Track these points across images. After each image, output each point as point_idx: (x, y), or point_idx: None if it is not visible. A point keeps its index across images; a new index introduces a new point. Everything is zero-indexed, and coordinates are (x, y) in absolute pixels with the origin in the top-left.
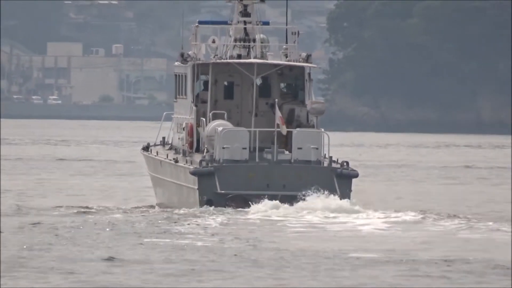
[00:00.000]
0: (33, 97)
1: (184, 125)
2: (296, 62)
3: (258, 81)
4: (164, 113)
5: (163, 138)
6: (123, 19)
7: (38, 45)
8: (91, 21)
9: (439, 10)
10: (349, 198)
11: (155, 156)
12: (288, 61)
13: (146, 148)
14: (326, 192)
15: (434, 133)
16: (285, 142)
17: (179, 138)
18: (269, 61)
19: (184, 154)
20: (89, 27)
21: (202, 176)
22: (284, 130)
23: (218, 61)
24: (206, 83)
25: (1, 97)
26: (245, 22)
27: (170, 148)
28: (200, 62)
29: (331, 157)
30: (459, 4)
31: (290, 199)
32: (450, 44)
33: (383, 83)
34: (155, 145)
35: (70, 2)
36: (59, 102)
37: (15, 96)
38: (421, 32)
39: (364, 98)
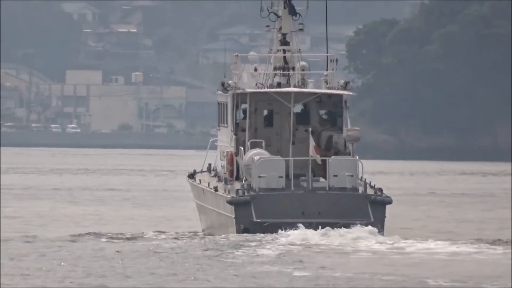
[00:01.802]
0: (52, 125)
1: (225, 153)
2: (335, 89)
3: (299, 108)
4: (210, 140)
5: (209, 164)
6: (142, 47)
7: (57, 73)
8: (110, 49)
9: (457, 36)
10: (383, 224)
11: (198, 184)
12: (328, 88)
13: (192, 175)
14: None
15: (452, 161)
16: (324, 169)
17: (221, 166)
18: (306, 90)
19: (225, 182)
20: (108, 55)
21: (239, 205)
22: (318, 159)
23: (256, 90)
24: (246, 112)
25: (19, 125)
26: (284, 51)
27: (215, 175)
28: (240, 91)
29: (366, 183)
30: (477, 30)
31: (325, 226)
32: (467, 70)
33: (401, 110)
34: (201, 171)
35: (89, 30)
36: (78, 130)
37: (33, 125)
38: (438, 58)
39: (382, 125)
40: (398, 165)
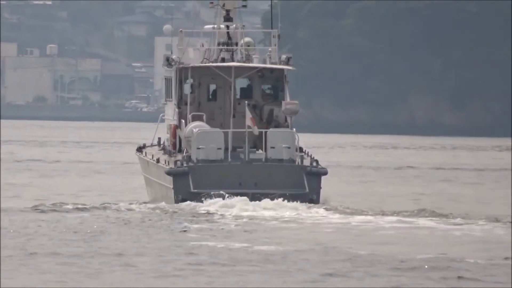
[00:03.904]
0: None
1: (168, 126)
2: (277, 64)
3: (245, 82)
4: (160, 115)
5: (159, 138)
6: (57, 19)
7: None
8: (26, 21)
9: (373, 10)
10: (318, 195)
11: (144, 156)
12: (272, 63)
13: (140, 149)
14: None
15: (366, 134)
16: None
17: (166, 139)
18: (246, 64)
19: (169, 154)
20: (23, 27)
21: (177, 176)
22: (256, 130)
23: (198, 65)
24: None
25: None
26: (227, 27)
27: (162, 149)
28: (182, 66)
29: (303, 155)
30: (392, 4)
31: (261, 197)
32: (383, 44)
33: (316, 84)
34: (151, 145)
35: (4, 2)
36: None
37: None
38: (354, 32)
39: (297, 98)
40: (315, 138)
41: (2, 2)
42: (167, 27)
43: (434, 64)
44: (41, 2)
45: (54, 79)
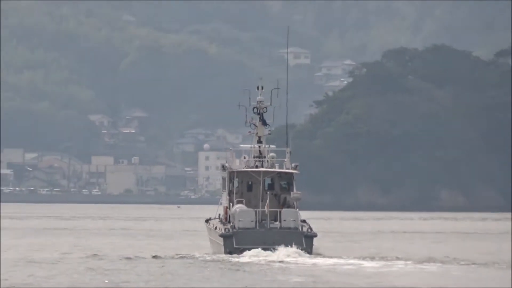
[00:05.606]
0: (83, 190)
1: (223, 208)
2: (289, 169)
3: (268, 180)
4: (219, 200)
5: (219, 214)
6: (138, 141)
7: (85, 158)
8: (118, 143)
9: (333, 135)
10: (311, 249)
11: (209, 225)
12: (286, 168)
13: (207, 220)
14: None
15: (330, 211)
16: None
17: (222, 214)
18: (270, 169)
19: (223, 224)
20: (117, 147)
21: (226, 237)
22: (266, 211)
23: (240, 169)
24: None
25: (62, 190)
26: (259, 146)
27: (220, 220)
28: (231, 170)
29: (303, 224)
30: (344, 131)
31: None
32: (339, 154)
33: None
34: (215, 218)
35: (105, 131)
36: (99, 193)
37: (72, 190)
38: (322, 148)
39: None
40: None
41: (104, 132)
42: (206, 146)
43: (371, 162)
44: (127, 131)
45: (136, 178)
